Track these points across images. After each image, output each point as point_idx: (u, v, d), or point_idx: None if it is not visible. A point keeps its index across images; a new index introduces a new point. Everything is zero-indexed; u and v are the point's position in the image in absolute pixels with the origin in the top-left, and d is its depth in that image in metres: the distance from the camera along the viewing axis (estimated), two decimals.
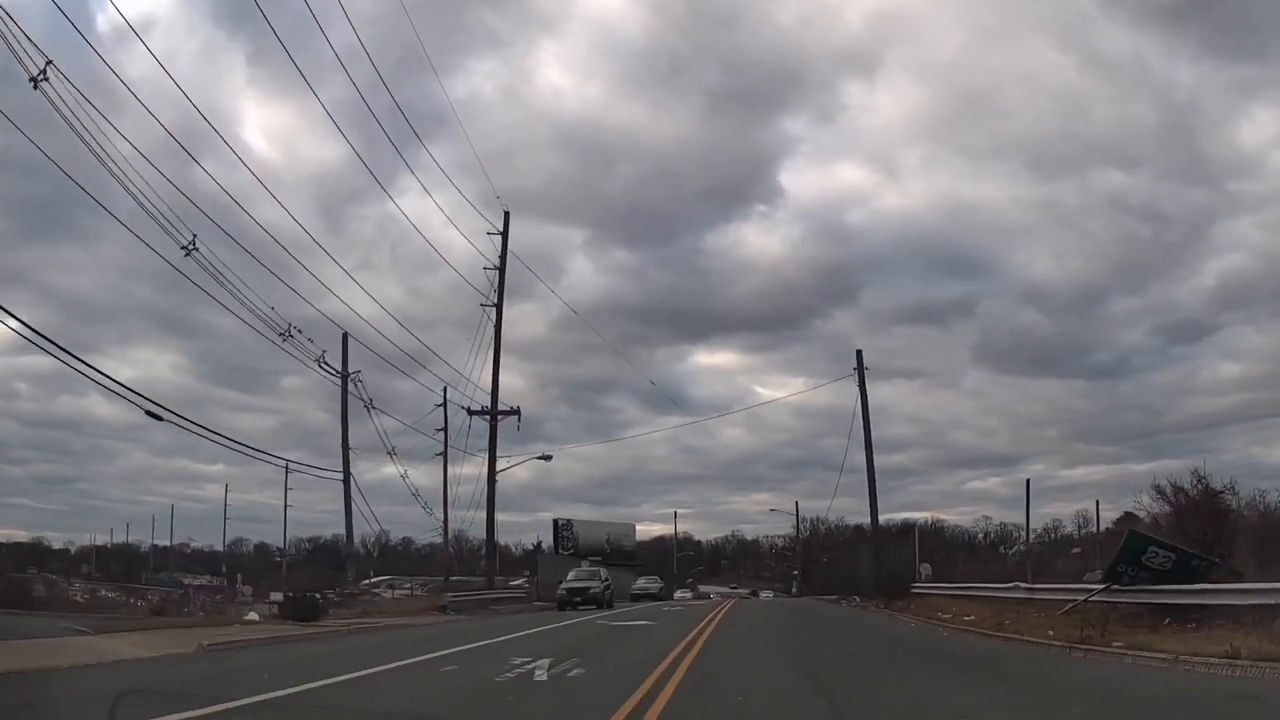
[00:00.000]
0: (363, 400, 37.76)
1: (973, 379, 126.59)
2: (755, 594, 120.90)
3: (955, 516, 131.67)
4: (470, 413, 40.67)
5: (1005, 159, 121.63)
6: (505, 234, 42.43)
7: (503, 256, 42.30)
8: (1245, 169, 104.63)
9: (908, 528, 32.51)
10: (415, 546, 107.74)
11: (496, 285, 42.08)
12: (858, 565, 49.36)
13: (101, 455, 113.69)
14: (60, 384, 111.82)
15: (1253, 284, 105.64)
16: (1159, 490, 19.57)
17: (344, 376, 37.51)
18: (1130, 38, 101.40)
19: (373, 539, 65.49)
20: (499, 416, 40.76)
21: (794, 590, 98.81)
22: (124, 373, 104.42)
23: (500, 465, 40.62)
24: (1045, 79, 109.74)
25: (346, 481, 37.12)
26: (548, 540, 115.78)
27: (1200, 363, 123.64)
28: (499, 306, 41.81)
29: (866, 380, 42.08)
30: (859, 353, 43.31)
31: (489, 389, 41.27)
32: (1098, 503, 37.70)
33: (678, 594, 67.19)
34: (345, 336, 38.10)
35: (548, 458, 39.51)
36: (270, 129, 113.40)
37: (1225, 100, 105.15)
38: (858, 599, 37.90)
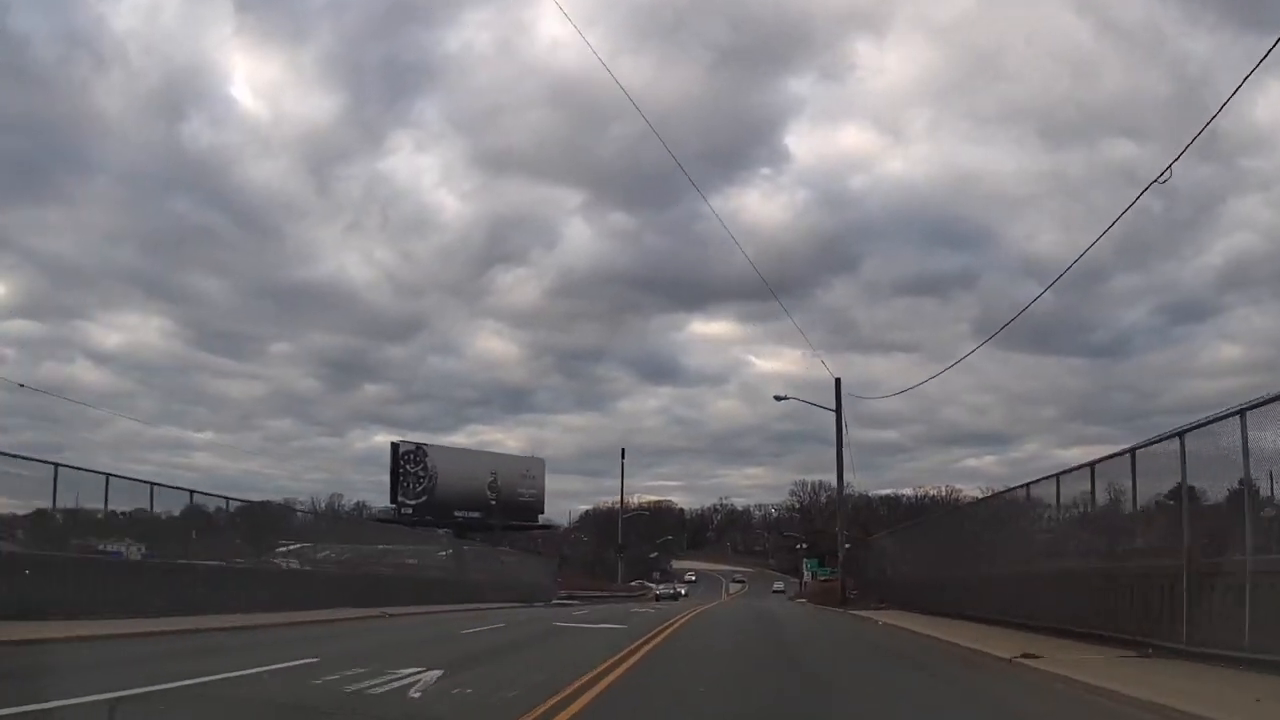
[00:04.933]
0: None
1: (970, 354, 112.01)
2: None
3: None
4: None
5: (1012, 125, 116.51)
6: None
7: None
8: (1257, 146, 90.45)
9: None
10: (369, 512, 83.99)
11: None
12: None
13: (87, 423, 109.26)
14: (45, 349, 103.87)
15: (1259, 264, 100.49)
16: None
17: None
18: (1147, 4, 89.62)
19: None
20: None
21: (809, 575, 54.98)
22: (111, 339, 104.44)
23: None
24: (1057, 43, 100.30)
25: None
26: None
27: (1201, 344, 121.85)
28: None
29: None
30: None
31: None
32: None
33: None
34: None
35: None
36: None
37: (1241, 74, 69.48)
38: None
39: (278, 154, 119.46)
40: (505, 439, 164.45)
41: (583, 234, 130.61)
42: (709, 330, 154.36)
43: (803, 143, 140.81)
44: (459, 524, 68.03)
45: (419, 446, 68.10)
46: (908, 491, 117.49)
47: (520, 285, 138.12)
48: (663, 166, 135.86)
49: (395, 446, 67.19)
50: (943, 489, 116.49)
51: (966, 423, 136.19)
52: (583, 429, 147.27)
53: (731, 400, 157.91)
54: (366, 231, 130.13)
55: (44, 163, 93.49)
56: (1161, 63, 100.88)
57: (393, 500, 66.05)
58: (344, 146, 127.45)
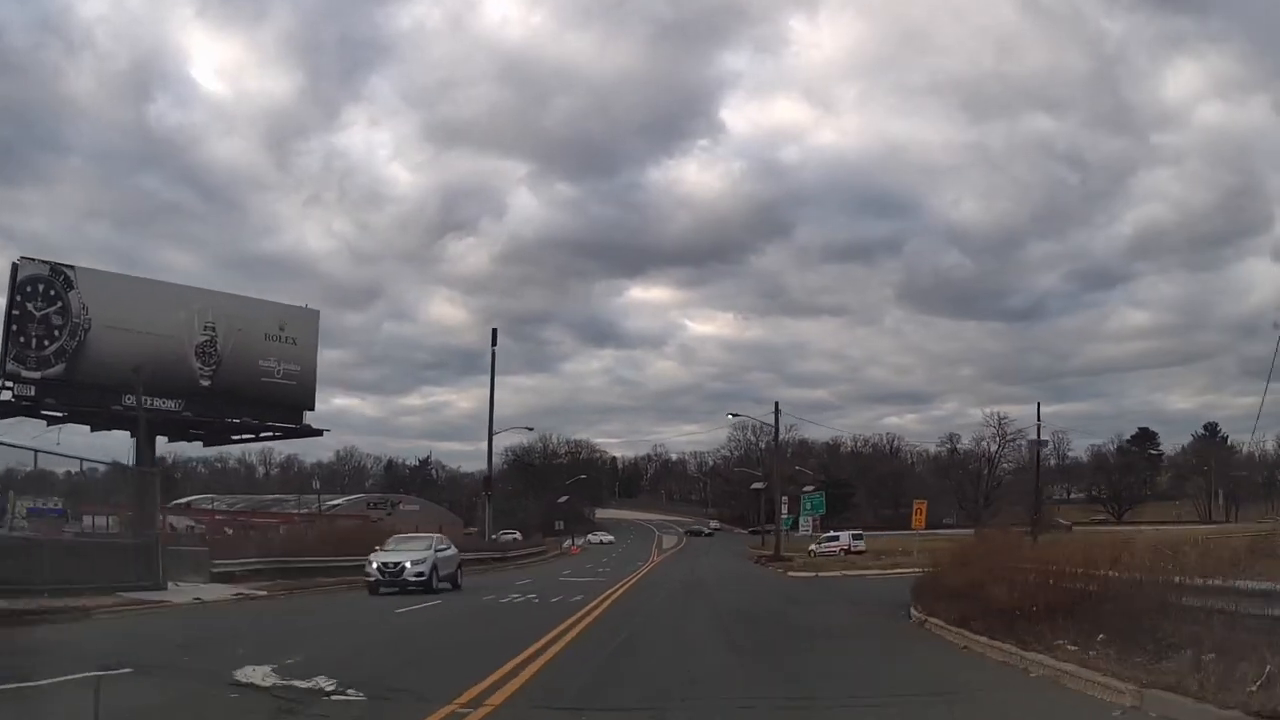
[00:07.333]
0: None
1: (894, 317, 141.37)
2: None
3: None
4: None
5: (939, 97, 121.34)
6: None
7: None
8: (1168, 121, 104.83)
9: None
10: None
11: None
12: None
13: None
14: None
15: (1167, 235, 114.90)
16: None
17: None
18: None
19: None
20: None
21: (809, 523, 46.90)
22: None
23: None
24: (981, 18, 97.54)
25: None
26: None
27: (1110, 309, 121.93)
28: None
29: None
30: None
31: None
32: None
33: None
34: None
35: None
36: None
37: (1153, 52, 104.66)
38: None
39: (240, 131, 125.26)
40: (458, 399, 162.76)
41: (530, 203, 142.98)
42: (648, 295, 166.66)
43: (739, 115, 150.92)
44: (122, 418, 36.88)
45: (55, 269, 36.34)
46: (848, 441, 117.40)
47: (471, 253, 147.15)
48: (606, 139, 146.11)
49: (14, 270, 35.43)
50: (882, 436, 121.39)
51: (890, 382, 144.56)
52: (531, 389, 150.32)
53: (669, 361, 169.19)
54: (325, 204, 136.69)
55: (20, 145, 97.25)
56: (1080, 40, 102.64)
57: (1, 371, 34.45)
58: (302, 123, 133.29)
